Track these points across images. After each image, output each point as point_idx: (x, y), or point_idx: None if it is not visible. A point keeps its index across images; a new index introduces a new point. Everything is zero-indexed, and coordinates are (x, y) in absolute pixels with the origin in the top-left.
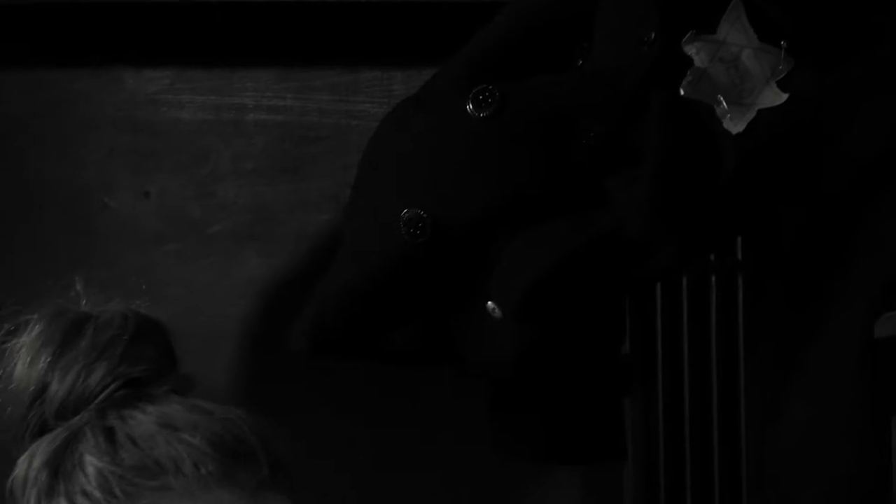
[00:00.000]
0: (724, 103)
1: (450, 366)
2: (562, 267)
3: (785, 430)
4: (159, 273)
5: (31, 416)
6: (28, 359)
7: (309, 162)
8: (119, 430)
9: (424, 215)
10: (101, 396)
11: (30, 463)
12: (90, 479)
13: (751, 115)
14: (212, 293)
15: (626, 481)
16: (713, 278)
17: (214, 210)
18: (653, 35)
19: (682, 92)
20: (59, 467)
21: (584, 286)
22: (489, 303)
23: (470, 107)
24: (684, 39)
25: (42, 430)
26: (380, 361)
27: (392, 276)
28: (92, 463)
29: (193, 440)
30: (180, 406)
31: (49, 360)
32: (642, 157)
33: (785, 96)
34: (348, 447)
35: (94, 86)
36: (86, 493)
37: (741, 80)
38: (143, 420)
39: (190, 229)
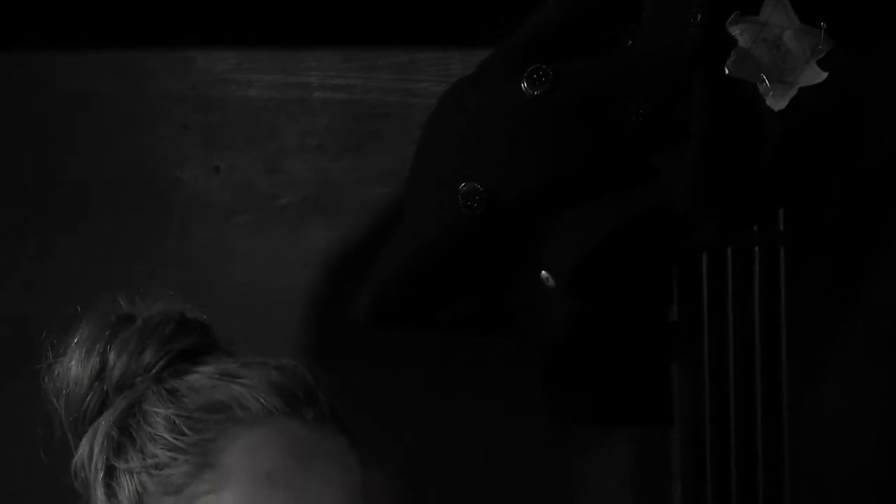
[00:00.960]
0: (767, 81)
1: (505, 335)
2: (612, 240)
3: (821, 405)
4: (229, 244)
5: (90, 398)
6: (83, 350)
7: (372, 138)
8: (179, 386)
9: (481, 189)
10: (157, 367)
11: (94, 435)
12: (157, 426)
13: (792, 92)
14: (279, 263)
15: (673, 444)
16: (756, 249)
17: (282, 184)
18: (699, 17)
19: (726, 71)
20: (126, 428)
21: (633, 258)
22: (543, 272)
23: (524, 85)
24: (728, 21)
25: (102, 409)
26: (438, 331)
27: (450, 248)
28: (157, 412)
29: (251, 383)
30: (234, 362)
31: (104, 343)
32: (688, 134)
33: (825, 75)
34: (407, 413)
35: (166, 66)
36: (154, 439)
37: (783, 59)
38: (199, 376)
39: (258, 202)
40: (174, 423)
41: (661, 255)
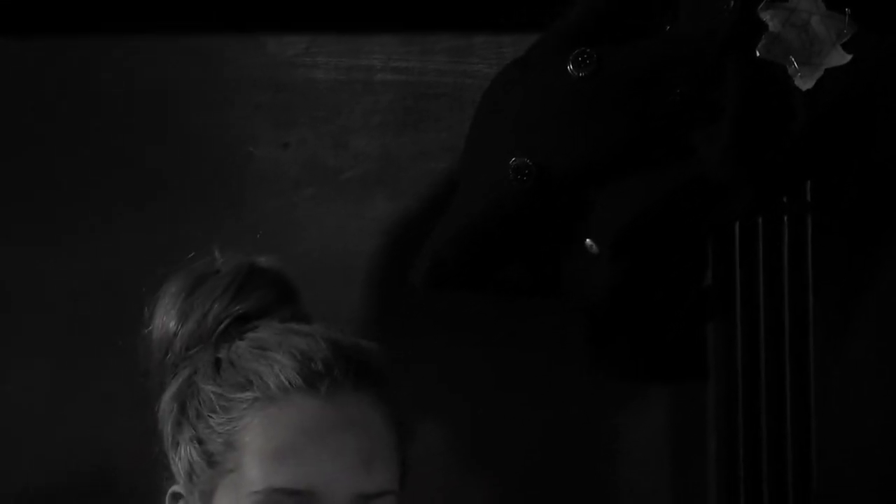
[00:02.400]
0: (795, 63)
1: (553, 297)
2: (652, 210)
3: (846, 362)
4: (298, 214)
5: (167, 360)
6: (163, 312)
7: (429, 116)
8: (224, 358)
9: (530, 163)
10: (217, 332)
11: (162, 403)
12: (203, 403)
13: (819, 73)
14: (344, 232)
15: (709, 398)
16: (785, 218)
17: (346, 159)
18: (732, 3)
19: (757, 53)
20: (184, 401)
21: (672, 226)
22: (587, 240)
23: (570, 67)
24: (760, 7)
25: (175, 370)
26: (491, 294)
27: (501, 217)
28: (203, 389)
29: (276, 355)
30: (273, 330)
31: (176, 309)
32: (722, 113)
33: (848, 57)
34: (460, 369)
35: (240, 51)
36: (199, 416)
37: (810, 42)
38: (241, 346)
39: (325, 176)
40: (212, 401)
41: (696, 224)
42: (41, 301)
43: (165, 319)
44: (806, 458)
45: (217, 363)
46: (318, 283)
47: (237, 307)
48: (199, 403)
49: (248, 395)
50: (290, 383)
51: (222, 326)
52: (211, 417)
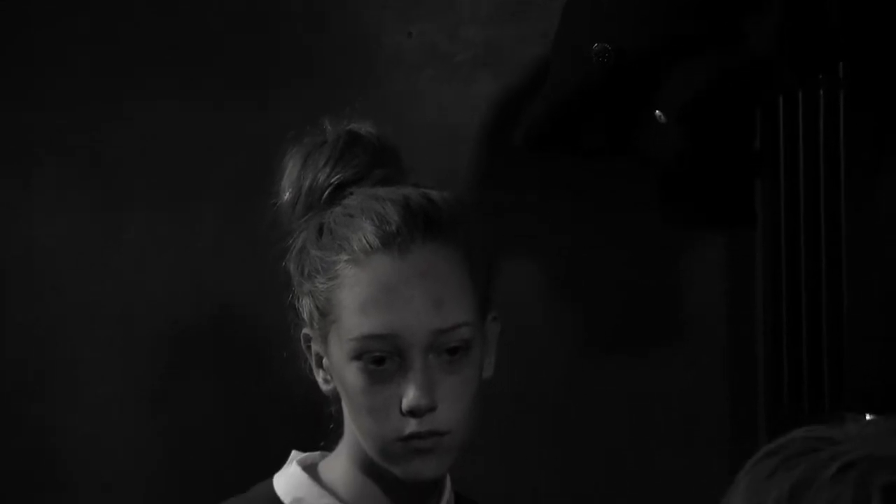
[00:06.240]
0: None
1: (628, 157)
2: (710, 86)
3: (871, 221)
4: (417, 92)
5: (290, 226)
6: (284, 184)
7: (527, 9)
8: (325, 224)
9: (609, 47)
10: (323, 197)
11: (289, 257)
12: (311, 264)
13: None
14: (457, 107)
15: (757, 241)
16: (821, 92)
17: (459, 45)
18: None
19: None
20: (302, 262)
21: (727, 98)
22: (657, 111)
23: None
24: None
25: (296, 235)
26: (577, 154)
27: (586, 92)
28: (311, 252)
29: (360, 220)
30: (361, 197)
31: (292, 180)
32: (770, 4)
33: None
34: (553, 220)
35: None
36: (309, 275)
37: None
38: (336, 212)
39: (441, 59)
40: (317, 263)
41: (748, 96)
42: (212, 164)
43: (285, 190)
44: (838, 293)
45: (320, 229)
46: (435, 150)
47: (336, 176)
48: (309, 265)
49: (341, 257)
50: (370, 246)
51: (326, 194)
52: (316, 277)
